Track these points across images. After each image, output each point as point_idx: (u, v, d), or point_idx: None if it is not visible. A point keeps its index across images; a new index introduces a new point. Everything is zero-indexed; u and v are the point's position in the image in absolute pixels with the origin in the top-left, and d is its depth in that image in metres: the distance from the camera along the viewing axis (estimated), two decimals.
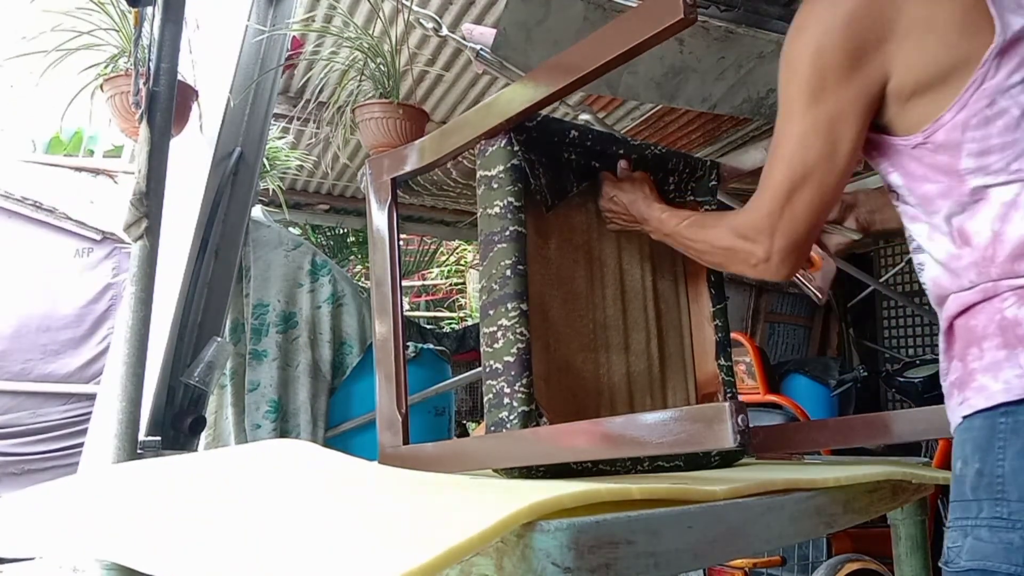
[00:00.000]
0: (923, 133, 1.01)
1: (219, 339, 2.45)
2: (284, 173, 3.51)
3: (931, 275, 1.10)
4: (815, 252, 1.38)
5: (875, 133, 1.07)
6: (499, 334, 1.20)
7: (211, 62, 2.48)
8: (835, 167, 1.04)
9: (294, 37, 2.84)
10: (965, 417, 1.01)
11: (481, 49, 2.47)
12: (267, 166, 3.03)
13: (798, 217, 1.07)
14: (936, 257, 1.07)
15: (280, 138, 3.39)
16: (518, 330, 1.19)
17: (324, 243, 6.77)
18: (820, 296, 1.38)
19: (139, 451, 1.97)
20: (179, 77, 2.10)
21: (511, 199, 1.23)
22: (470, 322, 7.48)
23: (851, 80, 1.01)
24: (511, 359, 1.18)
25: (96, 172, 4.99)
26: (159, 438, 2.19)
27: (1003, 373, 0.97)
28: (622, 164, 1.40)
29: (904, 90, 1.02)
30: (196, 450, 2.45)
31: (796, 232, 1.07)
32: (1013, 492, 0.93)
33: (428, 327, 6.01)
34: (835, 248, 1.43)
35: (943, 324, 1.07)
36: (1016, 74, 0.98)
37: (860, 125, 1.03)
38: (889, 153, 1.07)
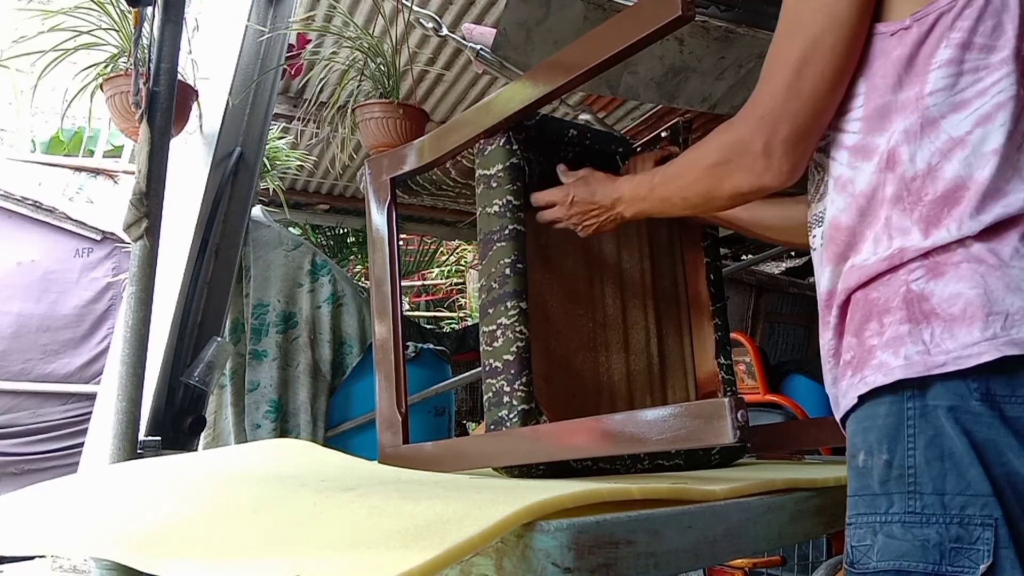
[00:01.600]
0: (913, 16, 0.91)
1: (219, 339, 2.45)
2: (284, 173, 3.51)
3: (832, 214, 0.98)
4: None
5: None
6: (498, 333, 1.20)
7: (211, 62, 2.48)
8: (844, 32, 0.92)
9: (300, 34, 2.84)
10: (862, 398, 0.92)
11: (481, 49, 2.47)
12: (267, 166, 3.03)
13: (805, 93, 0.93)
14: (851, 188, 0.96)
15: (280, 138, 3.39)
16: (517, 328, 1.19)
17: (324, 243, 6.77)
18: None
19: (139, 451, 1.97)
20: (179, 77, 2.09)
21: (510, 198, 1.23)
22: (470, 322, 7.48)
23: None
24: (511, 358, 1.18)
25: (96, 172, 4.99)
26: (159, 438, 2.19)
27: (904, 348, 0.88)
28: (561, 167, 1.32)
29: None
30: (196, 450, 2.45)
31: (804, 117, 0.94)
32: (927, 484, 0.85)
33: (428, 327, 6.01)
34: None
35: (838, 298, 0.97)
36: None
37: None
38: (863, 53, 0.96)
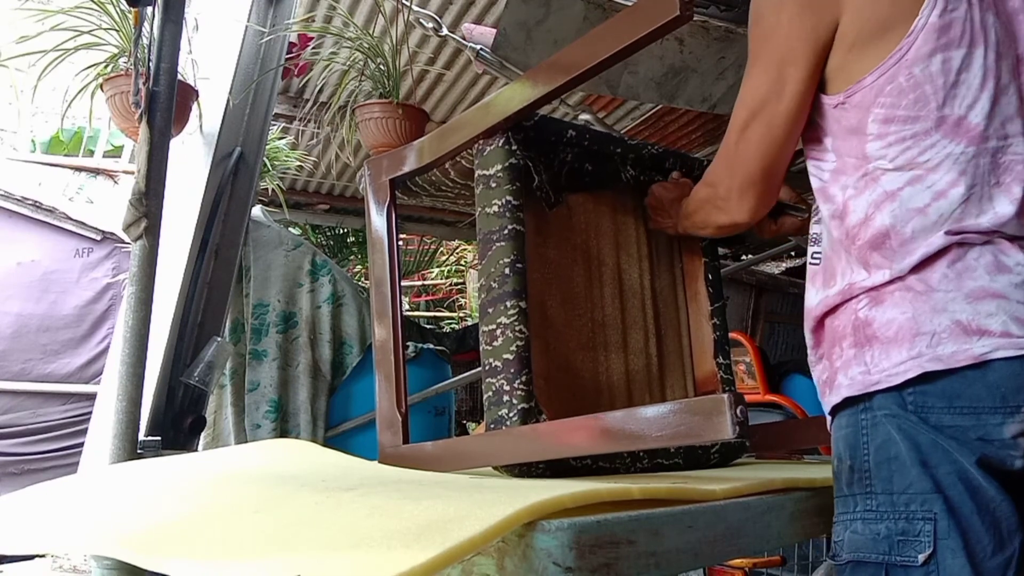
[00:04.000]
0: (844, 93, 1.03)
1: (219, 339, 2.45)
2: (284, 173, 3.51)
3: (828, 243, 1.12)
4: None
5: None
6: (498, 332, 1.20)
7: (211, 62, 2.48)
8: (782, 106, 1.06)
9: (301, 34, 2.84)
10: (831, 414, 1.06)
11: (481, 49, 2.47)
12: (267, 166, 3.03)
13: (749, 152, 1.10)
14: (826, 225, 1.11)
15: (280, 138, 3.39)
16: (517, 328, 1.19)
17: (324, 243, 6.77)
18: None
19: (139, 451, 1.97)
20: (179, 77, 2.09)
21: (509, 198, 1.23)
22: (470, 322, 7.48)
23: (804, 19, 1.03)
24: (510, 357, 1.18)
25: (96, 172, 4.99)
26: (159, 438, 2.19)
27: (851, 370, 1.02)
28: (675, 174, 1.47)
29: (847, 38, 1.02)
30: (196, 450, 2.45)
31: (748, 167, 1.11)
32: (878, 485, 0.97)
33: (428, 327, 6.02)
34: (788, 226, 1.44)
35: (811, 323, 1.11)
36: (940, 53, 0.99)
37: (808, 68, 1.04)
38: (821, 114, 1.09)
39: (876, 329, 1.00)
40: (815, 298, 1.11)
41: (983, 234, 0.98)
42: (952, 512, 0.92)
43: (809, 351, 1.12)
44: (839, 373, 1.04)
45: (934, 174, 0.99)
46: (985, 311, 0.95)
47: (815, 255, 1.15)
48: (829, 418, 1.08)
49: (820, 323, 1.09)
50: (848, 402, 1.02)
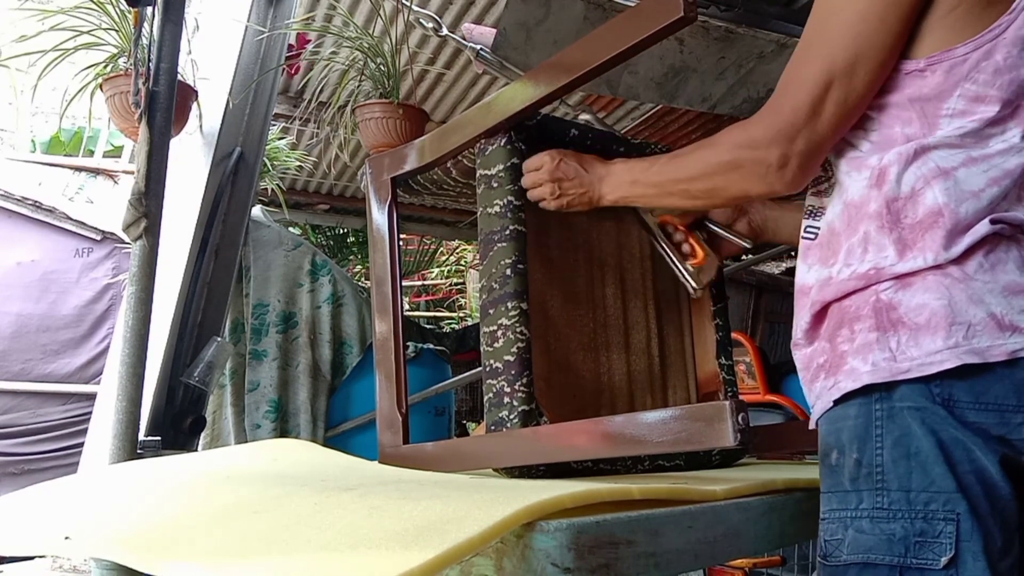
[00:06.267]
0: (927, 59, 0.94)
1: (219, 339, 2.45)
2: (284, 173, 3.51)
3: (830, 218, 1.03)
4: (699, 246, 1.34)
5: None
6: (499, 333, 1.20)
7: (211, 62, 2.48)
8: (873, 63, 0.94)
9: (300, 34, 2.84)
10: (836, 402, 0.97)
11: (481, 49, 2.47)
12: (267, 166, 3.03)
13: (827, 118, 0.96)
14: (846, 196, 1.01)
15: (280, 138, 3.39)
16: (518, 329, 1.19)
17: (324, 243, 6.77)
18: (696, 289, 1.33)
19: (139, 451, 1.97)
20: (179, 77, 2.09)
21: (511, 198, 1.23)
22: (470, 322, 7.47)
23: None
24: (511, 358, 1.18)
25: (96, 172, 4.99)
26: (159, 438, 2.19)
27: (872, 355, 0.94)
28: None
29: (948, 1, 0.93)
30: (196, 450, 2.45)
31: (822, 135, 0.96)
32: (893, 482, 0.91)
33: (428, 327, 6.01)
34: (724, 251, 1.41)
35: (815, 306, 1.02)
36: None
37: (906, 20, 0.93)
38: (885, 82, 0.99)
39: (904, 313, 0.93)
40: (811, 276, 1.03)
41: (1013, 227, 0.93)
42: (974, 513, 0.87)
43: (797, 331, 1.04)
44: (850, 357, 0.96)
45: (993, 160, 0.93)
46: (1018, 307, 0.91)
47: (810, 229, 1.06)
48: (823, 405, 0.99)
49: (823, 308, 1.01)
50: (861, 391, 0.94)
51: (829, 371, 0.99)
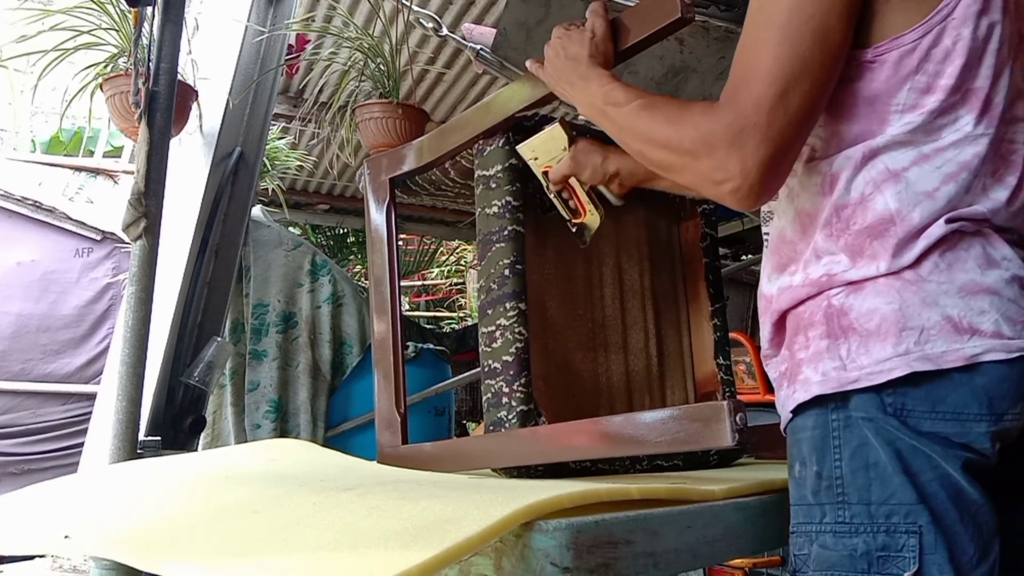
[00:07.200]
0: (874, 48, 0.88)
1: (219, 339, 2.45)
2: (284, 173, 3.51)
3: (780, 225, 0.98)
4: (589, 203, 1.25)
5: None
6: (497, 334, 1.20)
7: (211, 62, 2.48)
8: (829, 60, 0.86)
9: (300, 34, 2.84)
10: (794, 412, 0.93)
11: (481, 49, 2.46)
12: (267, 166, 3.03)
13: (791, 112, 0.85)
14: (797, 203, 0.95)
15: (280, 138, 3.39)
16: (516, 330, 1.19)
17: (324, 243, 6.76)
18: (584, 242, 1.27)
19: (139, 451, 1.97)
20: (179, 77, 2.09)
21: (509, 199, 1.23)
22: (470, 322, 7.47)
23: None
24: (509, 359, 1.18)
25: (96, 172, 4.99)
26: (159, 438, 2.19)
27: (823, 364, 0.89)
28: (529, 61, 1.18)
29: None
30: (196, 450, 2.45)
31: (788, 138, 0.86)
32: (853, 495, 0.87)
33: (428, 327, 6.01)
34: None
35: (773, 315, 0.98)
36: (985, 17, 0.87)
37: (854, 7, 0.87)
38: None
39: (854, 319, 0.88)
40: (772, 287, 0.99)
41: (976, 223, 0.88)
42: (937, 523, 0.83)
43: (764, 342, 1.01)
44: (805, 366, 0.92)
45: (946, 154, 0.88)
46: (977, 308, 0.85)
47: (767, 235, 1.02)
48: (785, 415, 0.95)
49: (782, 316, 0.97)
50: (817, 401, 0.90)
51: (790, 380, 0.95)
